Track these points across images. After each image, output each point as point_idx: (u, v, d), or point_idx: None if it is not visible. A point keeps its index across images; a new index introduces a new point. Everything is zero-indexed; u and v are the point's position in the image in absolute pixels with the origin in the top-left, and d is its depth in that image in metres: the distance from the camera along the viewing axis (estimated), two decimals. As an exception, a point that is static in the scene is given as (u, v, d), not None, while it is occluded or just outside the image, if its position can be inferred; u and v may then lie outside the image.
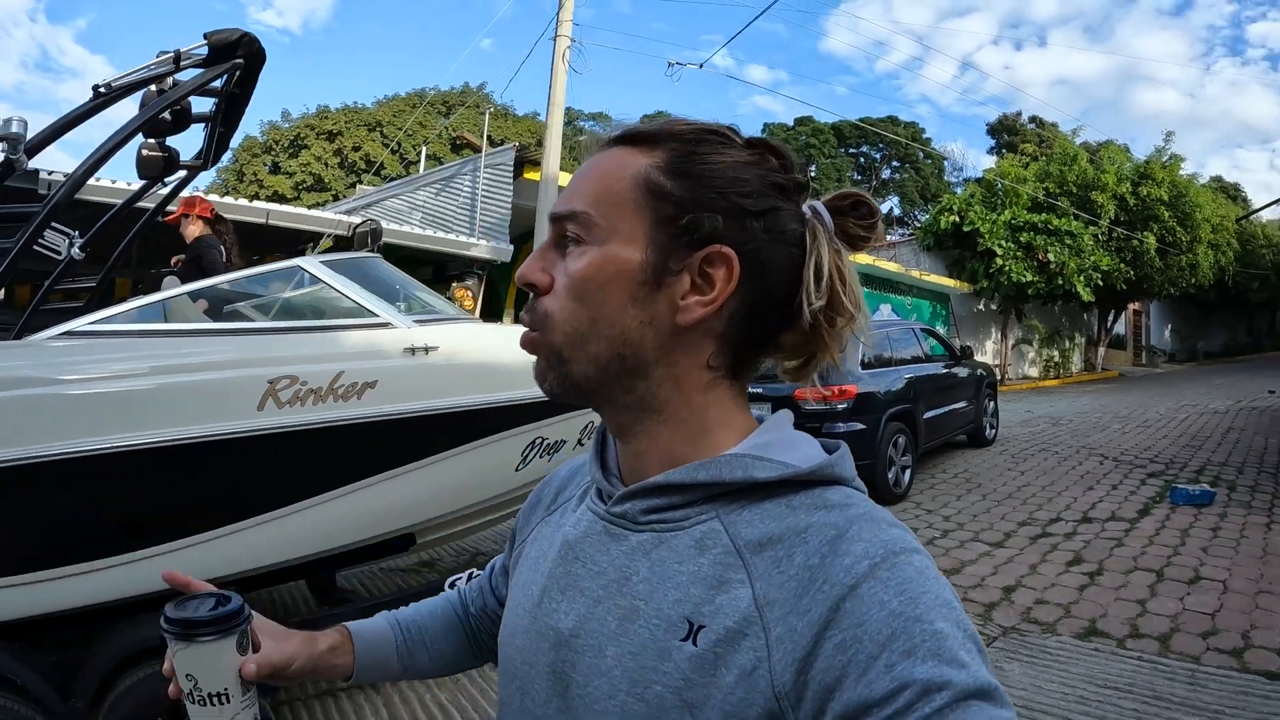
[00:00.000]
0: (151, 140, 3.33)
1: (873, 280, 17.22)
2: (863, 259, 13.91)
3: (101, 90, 2.78)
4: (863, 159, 43.72)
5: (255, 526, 2.91)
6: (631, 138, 0.71)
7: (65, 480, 2.56)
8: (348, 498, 3.10)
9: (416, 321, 3.48)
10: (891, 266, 18.15)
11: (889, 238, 24.15)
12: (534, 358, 0.73)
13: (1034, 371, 22.58)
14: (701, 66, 10.90)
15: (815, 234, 0.70)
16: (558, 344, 0.69)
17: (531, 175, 10.94)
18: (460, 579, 3.87)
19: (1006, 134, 40.18)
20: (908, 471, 8.09)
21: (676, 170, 0.68)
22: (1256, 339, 34.68)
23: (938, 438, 9.23)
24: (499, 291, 12.18)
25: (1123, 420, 12.84)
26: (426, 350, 3.28)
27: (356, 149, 28.05)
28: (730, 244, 0.67)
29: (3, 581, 2.53)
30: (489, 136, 12.49)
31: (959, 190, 30.59)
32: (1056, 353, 22.89)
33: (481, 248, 9.97)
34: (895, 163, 43.39)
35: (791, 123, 42.81)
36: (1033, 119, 40.20)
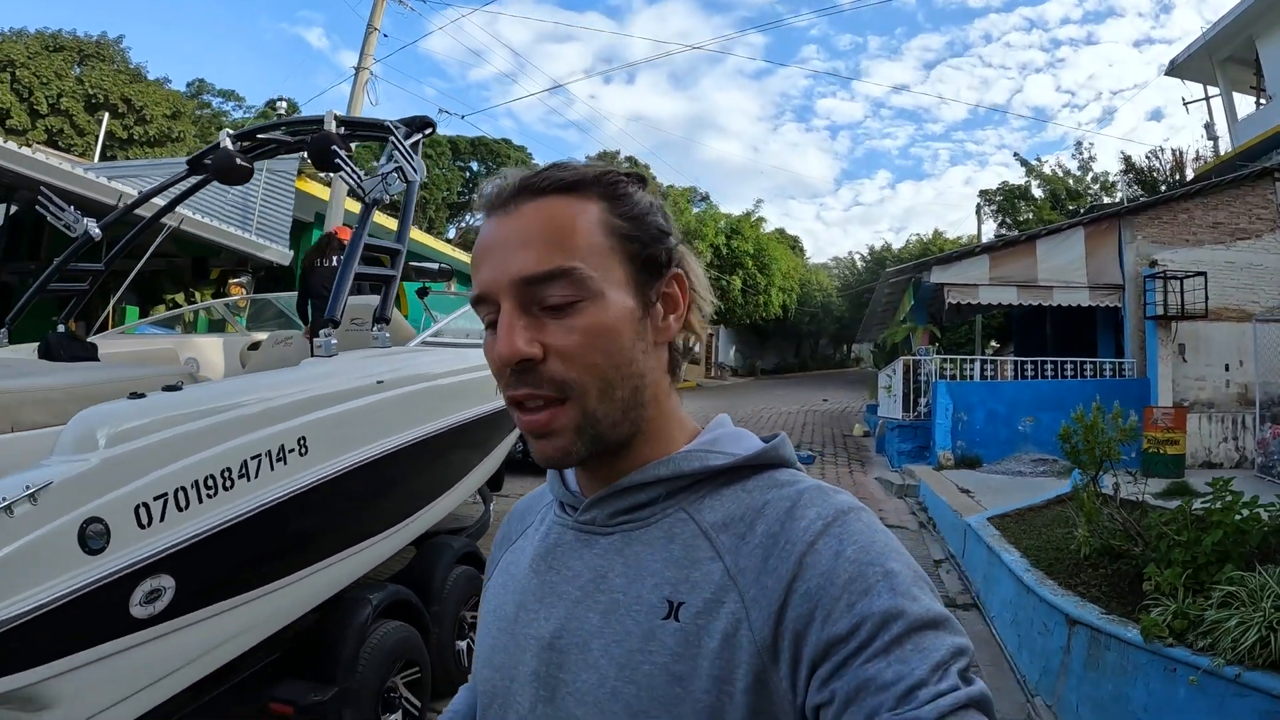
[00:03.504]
0: (239, 149, 4.36)
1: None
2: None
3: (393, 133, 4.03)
4: (469, 174, 45.27)
5: (488, 461, 4.73)
6: (562, 187, 0.73)
7: (449, 440, 3.93)
8: (499, 448, 4.99)
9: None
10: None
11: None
12: (546, 437, 0.72)
13: (632, 381, 27.58)
14: (464, 118, 12.96)
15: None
16: (591, 406, 0.70)
17: (302, 186, 11.60)
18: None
19: (604, 170, 45.33)
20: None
21: (624, 213, 0.73)
22: (802, 360, 43.84)
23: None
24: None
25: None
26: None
27: (-19, 91, 21.59)
28: (676, 264, 0.77)
29: (437, 504, 3.93)
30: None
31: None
32: (636, 365, 28.16)
33: (272, 250, 10.38)
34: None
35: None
36: (629, 158, 45.80)
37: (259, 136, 4.82)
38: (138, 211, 5.01)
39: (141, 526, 2.15)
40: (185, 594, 2.28)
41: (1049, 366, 11.63)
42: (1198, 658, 3.07)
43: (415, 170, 3.86)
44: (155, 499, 2.19)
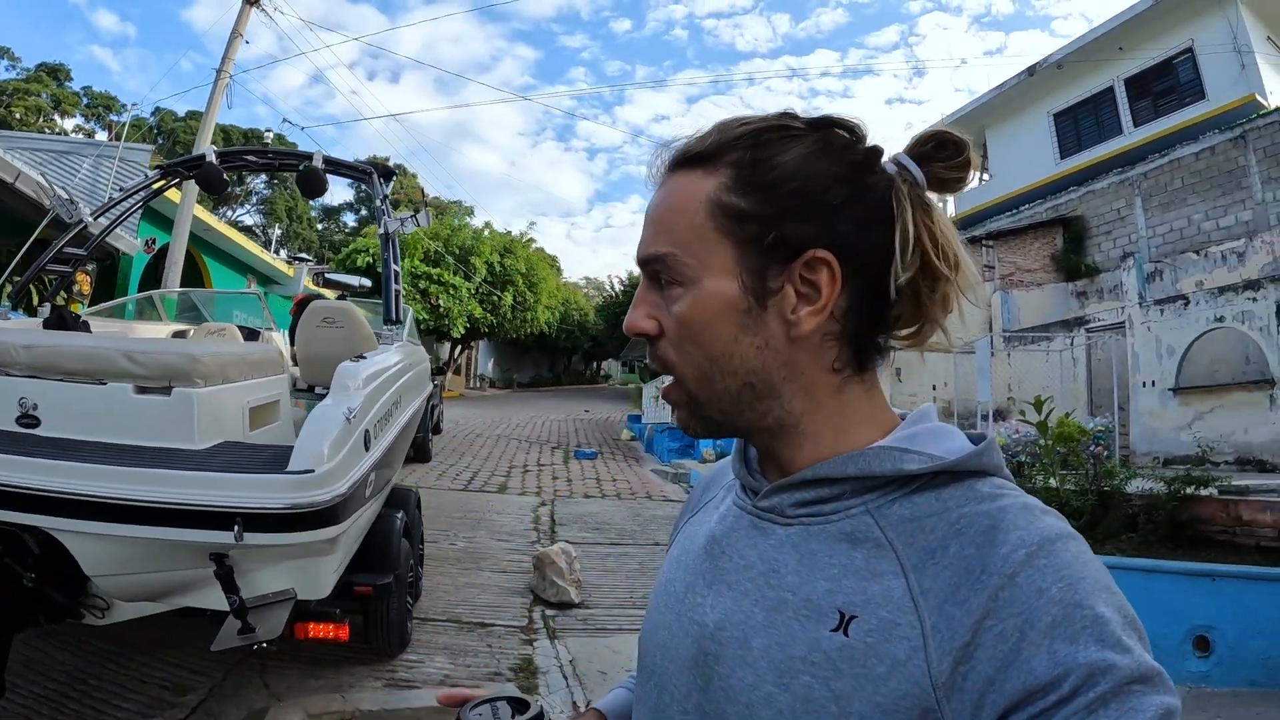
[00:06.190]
0: (222, 167, 5.39)
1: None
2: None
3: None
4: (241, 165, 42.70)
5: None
6: (690, 159, 0.69)
7: (419, 410, 5.22)
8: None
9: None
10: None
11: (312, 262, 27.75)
12: (673, 407, 0.74)
13: (400, 389, 28.63)
14: (304, 129, 13.77)
15: (899, 197, 0.66)
16: (691, 390, 0.69)
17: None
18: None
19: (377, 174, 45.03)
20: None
21: (747, 184, 0.66)
22: (557, 375, 45.64)
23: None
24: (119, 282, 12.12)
25: (504, 423, 19.44)
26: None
27: None
28: (824, 245, 0.65)
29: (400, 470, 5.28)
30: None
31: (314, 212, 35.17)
32: (413, 373, 29.41)
33: (124, 241, 10.11)
34: (266, 176, 44.46)
35: (183, 114, 40.72)
36: (398, 166, 45.35)
37: (245, 158, 6.05)
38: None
39: (374, 439, 3.71)
40: (374, 485, 3.82)
41: (802, 382, 14.88)
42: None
43: (428, 219, 5.50)
44: (379, 421, 3.77)
